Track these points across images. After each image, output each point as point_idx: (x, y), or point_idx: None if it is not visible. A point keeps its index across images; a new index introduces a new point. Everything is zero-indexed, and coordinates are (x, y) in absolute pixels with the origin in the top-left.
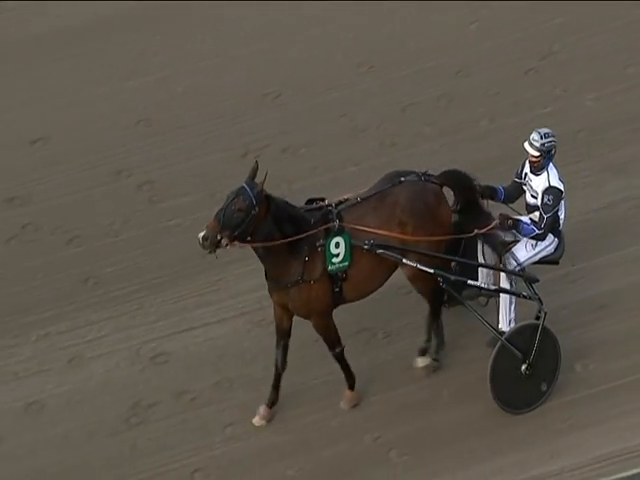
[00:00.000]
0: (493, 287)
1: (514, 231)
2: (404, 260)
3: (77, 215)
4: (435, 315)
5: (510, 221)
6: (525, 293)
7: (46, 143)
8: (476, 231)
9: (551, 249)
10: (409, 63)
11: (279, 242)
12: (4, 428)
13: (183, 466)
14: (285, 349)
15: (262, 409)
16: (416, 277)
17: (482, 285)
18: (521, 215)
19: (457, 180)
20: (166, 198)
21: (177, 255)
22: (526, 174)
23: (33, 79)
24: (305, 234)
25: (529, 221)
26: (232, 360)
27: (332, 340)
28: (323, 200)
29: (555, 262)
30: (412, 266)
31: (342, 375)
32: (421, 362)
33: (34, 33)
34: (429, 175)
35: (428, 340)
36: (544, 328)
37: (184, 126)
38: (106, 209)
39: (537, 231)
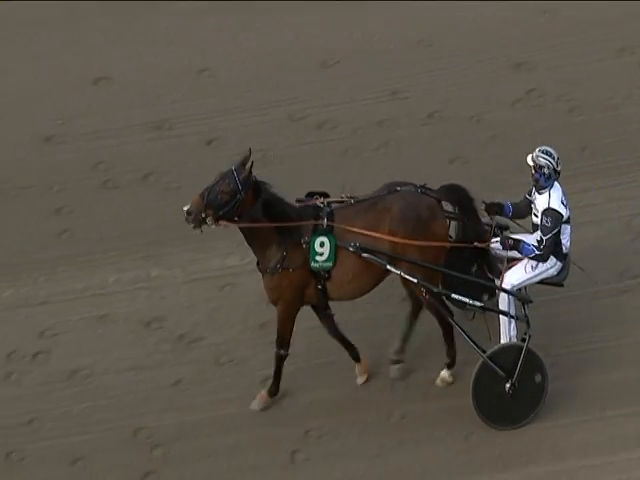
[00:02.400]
0: (478, 304)
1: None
2: (388, 267)
3: (579, 86)
4: (445, 325)
5: (511, 240)
6: (512, 313)
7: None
8: (475, 244)
9: (553, 272)
10: None
11: (265, 225)
12: None
13: None
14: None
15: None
16: (407, 282)
17: (467, 300)
18: (527, 234)
19: (455, 195)
20: None
21: None
22: (534, 193)
23: None
24: (290, 224)
25: (530, 241)
26: None
27: (284, 338)
28: (324, 195)
29: (559, 284)
30: (396, 273)
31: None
32: (444, 375)
33: None
34: (426, 188)
35: (449, 354)
36: (529, 350)
37: None
38: (607, 83)
39: (537, 252)
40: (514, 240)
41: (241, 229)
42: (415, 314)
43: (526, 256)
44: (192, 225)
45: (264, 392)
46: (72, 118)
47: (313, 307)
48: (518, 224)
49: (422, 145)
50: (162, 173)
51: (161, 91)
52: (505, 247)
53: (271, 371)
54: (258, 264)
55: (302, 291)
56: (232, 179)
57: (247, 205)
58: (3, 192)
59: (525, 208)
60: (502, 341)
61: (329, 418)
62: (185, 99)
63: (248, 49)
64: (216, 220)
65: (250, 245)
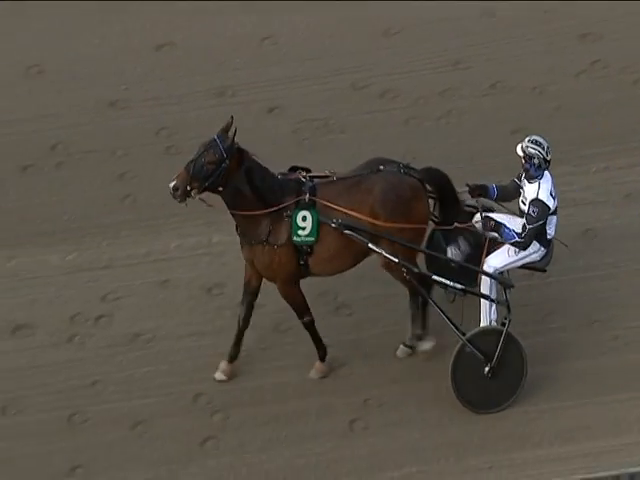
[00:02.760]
0: (459, 286)
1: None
2: (369, 245)
3: None
4: (416, 303)
5: (492, 222)
6: (494, 296)
7: None
8: (456, 224)
9: (536, 257)
10: None
11: (249, 195)
12: None
13: None
14: (249, 308)
15: (223, 364)
16: (388, 266)
17: (447, 282)
18: (515, 216)
19: (434, 178)
20: None
21: None
22: (523, 179)
23: None
24: (275, 195)
25: (515, 226)
26: None
27: (299, 308)
28: (307, 170)
29: (542, 270)
30: (377, 252)
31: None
32: (422, 346)
33: None
34: (410, 168)
35: (421, 328)
36: (509, 334)
37: None
38: None
39: (517, 239)
40: (495, 223)
41: (224, 197)
42: (413, 292)
43: (506, 241)
44: (178, 200)
45: (318, 362)
46: (136, 83)
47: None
48: (503, 206)
49: (484, 116)
50: None
51: (224, 58)
52: (485, 229)
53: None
54: (237, 228)
55: (294, 265)
56: (216, 148)
57: (232, 172)
58: (68, 157)
59: (512, 191)
60: (482, 324)
61: (388, 388)
62: (248, 66)
63: (312, 17)
64: (200, 192)
65: (233, 215)
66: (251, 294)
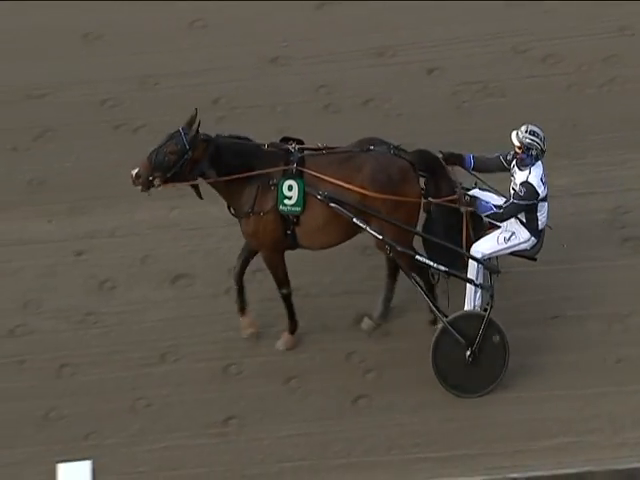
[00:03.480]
0: (442, 268)
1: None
2: (354, 219)
3: None
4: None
5: (467, 197)
6: (478, 282)
7: None
8: (430, 199)
9: (525, 246)
10: None
11: (218, 180)
12: None
13: None
14: (244, 263)
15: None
16: (379, 245)
17: (430, 264)
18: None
19: (425, 160)
20: None
21: None
22: (514, 166)
23: None
24: (253, 172)
25: (494, 202)
26: None
27: (279, 279)
28: (299, 142)
29: (532, 258)
30: (362, 228)
31: None
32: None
33: None
34: (401, 150)
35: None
36: (490, 321)
37: None
38: None
39: (495, 210)
40: (470, 197)
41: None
42: (393, 276)
43: (482, 213)
44: (140, 188)
45: (285, 333)
46: (296, 41)
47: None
48: (478, 178)
49: None
50: (382, 100)
51: (385, 17)
52: (460, 203)
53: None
54: (229, 208)
55: (280, 233)
56: (179, 139)
57: (196, 162)
58: (229, 111)
59: (492, 165)
60: (466, 308)
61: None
62: (409, 26)
63: None
64: (164, 182)
65: (219, 193)
66: (249, 251)
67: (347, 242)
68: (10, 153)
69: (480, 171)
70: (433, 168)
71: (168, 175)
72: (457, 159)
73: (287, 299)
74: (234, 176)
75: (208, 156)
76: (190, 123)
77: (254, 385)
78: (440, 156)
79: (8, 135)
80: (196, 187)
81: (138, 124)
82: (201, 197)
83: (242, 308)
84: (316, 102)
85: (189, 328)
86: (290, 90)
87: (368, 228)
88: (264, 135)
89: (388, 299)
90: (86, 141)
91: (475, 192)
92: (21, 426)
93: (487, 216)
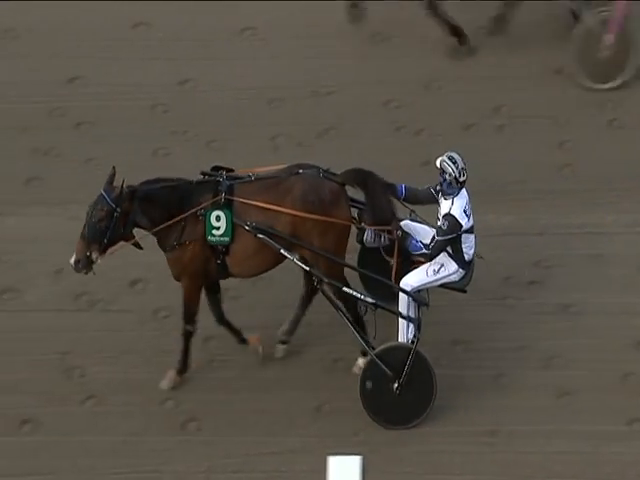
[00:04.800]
0: (370, 300)
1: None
2: (282, 250)
3: None
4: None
5: (400, 232)
6: (408, 314)
7: None
8: (363, 224)
9: (454, 278)
10: None
11: (155, 229)
12: None
13: None
14: (215, 306)
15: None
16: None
17: (357, 295)
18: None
19: (359, 176)
20: None
21: None
22: (440, 195)
23: None
24: (175, 219)
25: (419, 238)
26: None
27: (189, 312)
28: (230, 170)
29: (462, 290)
30: (289, 259)
31: None
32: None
33: None
34: (329, 173)
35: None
36: (417, 353)
37: None
38: None
39: (424, 250)
40: (403, 232)
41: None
42: (308, 298)
43: (413, 252)
44: (84, 271)
45: (172, 371)
46: None
47: (206, 289)
48: (409, 208)
49: None
50: None
51: None
52: (392, 237)
53: None
54: (159, 242)
55: (204, 265)
56: (103, 202)
57: (126, 215)
58: (510, 120)
59: (422, 198)
60: (400, 340)
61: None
62: None
63: None
64: (102, 252)
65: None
66: (213, 292)
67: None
68: (295, 148)
69: (411, 202)
70: (365, 182)
71: (105, 242)
72: (390, 189)
73: (188, 337)
74: (169, 222)
75: (138, 205)
76: (110, 182)
77: (523, 397)
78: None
79: (295, 130)
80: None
81: (419, 127)
82: (141, 247)
83: (242, 340)
84: (600, 116)
85: (458, 334)
86: (573, 102)
87: (295, 259)
88: (544, 147)
89: (297, 320)
90: (366, 141)
91: (407, 223)
92: (296, 416)
93: (417, 255)
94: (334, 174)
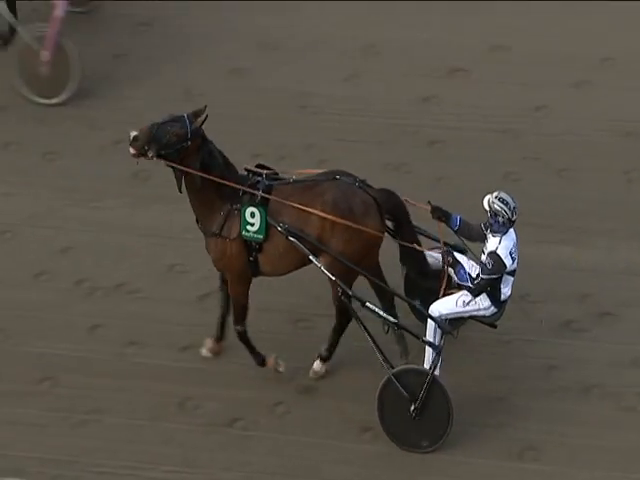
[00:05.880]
0: (392, 319)
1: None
2: (310, 256)
3: None
4: (342, 324)
5: (451, 258)
6: (426, 338)
7: None
8: (398, 240)
9: (485, 313)
10: None
11: (203, 175)
12: None
13: None
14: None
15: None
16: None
17: (381, 313)
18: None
19: (389, 200)
20: None
21: None
22: (489, 231)
23: None
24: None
25: (472, 271)
26: None
27: (238, 311)
28: (274, 173)
29: (492, 325)
30: (316, 264)
31: None
32: (316, 367)
33: None
34: (366, 184)
35: (329, 349)
36: (435, 380)
37: None
38: None
39: (469, 284)
40: (454, 259)
41: (187, 185)
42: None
43: (459, 281)
44: (133, 152)
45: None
46: None
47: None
48: (463, 241)
49: None
50: None
51: None
52: (443, 261)
53: None
54: (197, 222)
55: (245, 260)
56: (184, 124)
57: (189, 154)
58: None
59: (475, 233)
60: (425, 366)
61: None
62: None
63: None
64: (156, 155)
65: (192, 204)
66: (225, 282)
67: None
68: None
69: (464, 236)
70: (395, 213)
71: (162, 152)
72: (444, 215)
73: (242, 337)
74: (212, 177)
75: (199, 156)
76: (196, 114)
77: None
78: (429, 208)
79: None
80: (179, 179)
81: None
82: (180, 191)
83: (219, 338)
84: None
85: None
86: None
87: (322, 267)
88: None
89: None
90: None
91: (456, 254)
92: None
93: (462, 286)
94: (370, 186)
